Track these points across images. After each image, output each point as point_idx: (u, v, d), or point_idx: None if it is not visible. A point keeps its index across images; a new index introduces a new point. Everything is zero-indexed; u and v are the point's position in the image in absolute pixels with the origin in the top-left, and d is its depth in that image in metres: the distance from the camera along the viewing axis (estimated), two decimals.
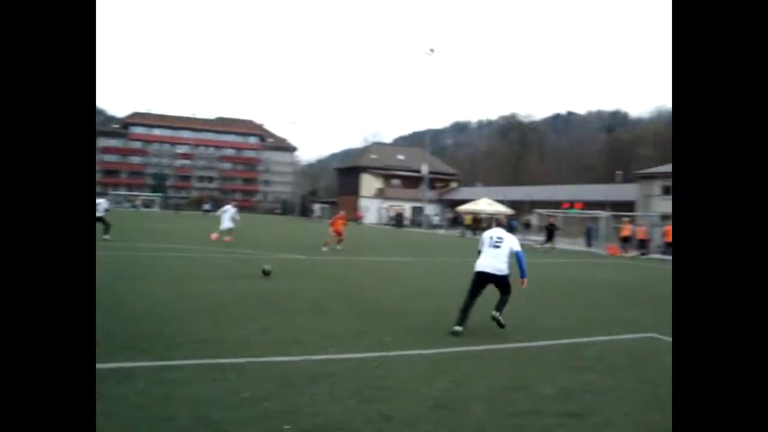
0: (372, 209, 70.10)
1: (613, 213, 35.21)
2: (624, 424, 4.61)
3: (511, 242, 8.10)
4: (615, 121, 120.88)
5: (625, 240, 30.49)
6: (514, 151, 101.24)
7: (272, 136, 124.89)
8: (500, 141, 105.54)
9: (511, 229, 29.89)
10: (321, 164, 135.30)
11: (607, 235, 33.22)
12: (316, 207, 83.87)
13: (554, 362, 6.41)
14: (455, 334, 7.45)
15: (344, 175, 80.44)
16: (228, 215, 22.72)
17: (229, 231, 22.56)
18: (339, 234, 22.07)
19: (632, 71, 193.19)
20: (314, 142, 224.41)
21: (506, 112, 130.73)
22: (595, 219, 35.13)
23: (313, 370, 5.57)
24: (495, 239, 8.16)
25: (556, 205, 42.43)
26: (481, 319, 8.70)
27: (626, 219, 31.84)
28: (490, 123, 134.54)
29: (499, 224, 9.42)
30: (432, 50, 57.21)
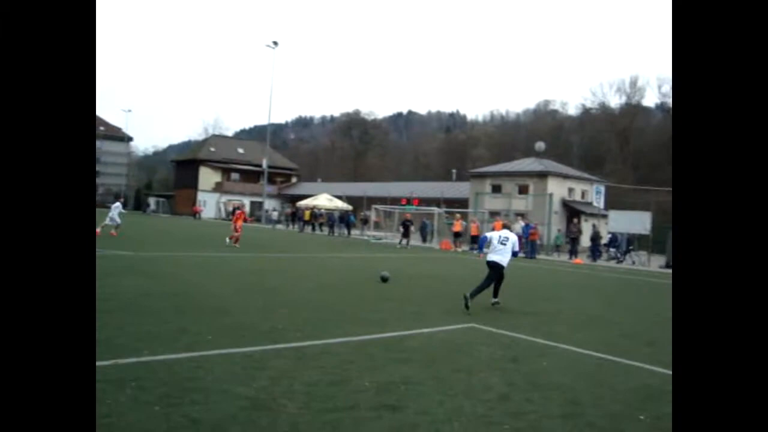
0: (210, 203, 67.92)
1: (447, 209, 36.80)
2: (438, 412, 4.72)
3: (514, 241, 10.84)
4: (453, 122, 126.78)
5: (457, 235, 31.99)
6: (356, 147, 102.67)
7: (104, 124, 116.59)
8: (342, 137, 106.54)
9: (348, 224, 30.35)
10: (158, 156, 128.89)
11: (441, 230, 34.65)
12: (152, 200, 79.71)
13: (376, 355, 6.47)
14: (467, 307, 9.69)
15: (182, 167, 77.10)
16: (116, 211, 24.30)
17: (116, 226, 23.79)
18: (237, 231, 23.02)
19: (470, 76, 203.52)
20: (151, 133, 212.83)
21: (350, 109, 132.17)
22: (430, 215, 36.52)
23: (120, 375, 5.16)
24: (502, 238, 10.76)
25: (394, 201, 43.60)
26: (310, 316, 8.63)
27: (458, 215, 33.40)
28: (333, 119, 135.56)
29: (505, 226, 11.56)
30: (276, 43, 56.49)
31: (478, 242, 21.25)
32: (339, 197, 49.75)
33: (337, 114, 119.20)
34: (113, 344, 6.17)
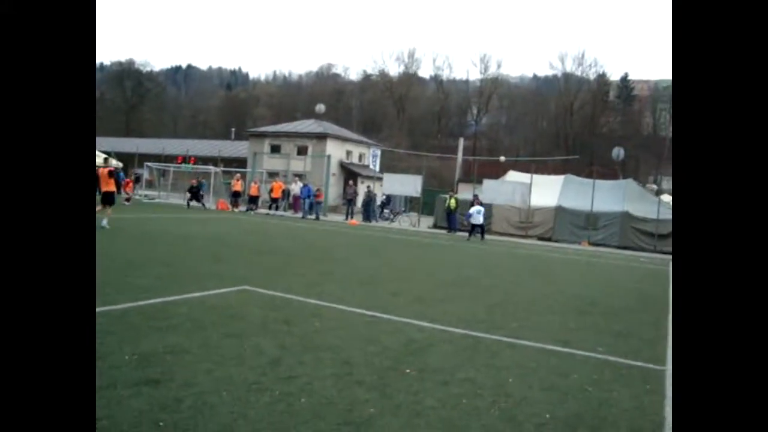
0: None
1: (224, 169, 35.78)
2: (204, 382, 4.46)
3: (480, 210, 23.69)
4: (235, 80, 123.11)
5: (236, 195, 31.32)
6: (129, 100, 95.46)
7: None
8: (114, 88, 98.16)
9: (118, 182, 28.24)
10: None
11: (217, 190, 33.65)
12: None
13: (138, 325, 5.97)
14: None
15: None
16: None
17: None
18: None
19: (254, 33, 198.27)
20: None
21: (122, 58, 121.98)
22: (207, 174, 35.25)
23: None
24: (478, 209, 23.70)
25: (170, 159, 41.33)
26: None
27: (238, 175, 32.66)
28: (103, 67, 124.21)
29: (478, 202, 23.89)
30: None
31: (464, 216, 23.24)
32: (108, 153, 45.96)
33: (107, 62, 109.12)
34: None
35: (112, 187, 16.33)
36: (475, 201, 25.16)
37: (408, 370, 5.21)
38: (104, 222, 15.04)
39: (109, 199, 15.87)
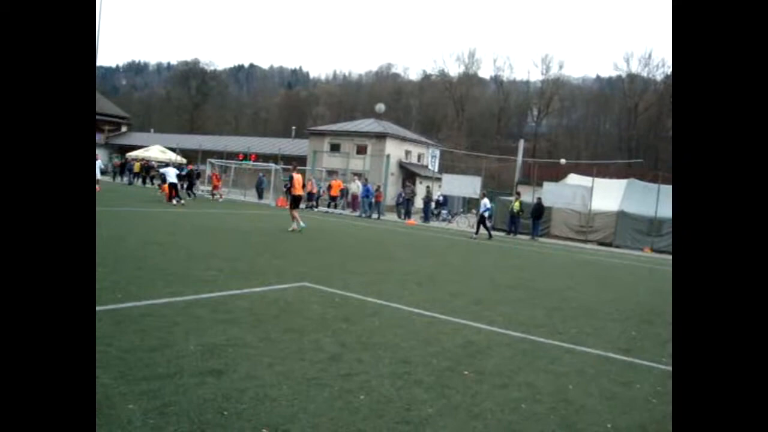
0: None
1: (284, 166, 36.32)
2: (266, 375, 4.56)
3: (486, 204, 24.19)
4: (295, 79, 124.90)
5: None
6: (193, 98, 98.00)
7: None
8: (179, 87, 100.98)
9: (180, 176, 28.85)
10: None
11: (277, 187, 34.19)
12: None
13: (203, 317, 6.15)
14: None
15: None
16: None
17: None
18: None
19: (315, 34, 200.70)
20: None
21: (188, 58, 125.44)
22: (267, 171, 35.87)
23: None
24: (486, 203, 24.17)
25: (231, 155, 42.24)
26: (133, 275, 8.07)
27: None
28: (170, 67, 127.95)
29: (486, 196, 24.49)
30: None
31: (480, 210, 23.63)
32: (173, 149, 47.32)
33: (174, 62, 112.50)
34: None
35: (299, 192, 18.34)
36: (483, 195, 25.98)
37: (466, 372, 5.20)
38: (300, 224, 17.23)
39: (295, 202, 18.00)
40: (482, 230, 23.32)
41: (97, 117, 56.67)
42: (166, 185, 25.17)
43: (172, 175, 24.84)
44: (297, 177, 18.05)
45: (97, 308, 6.04)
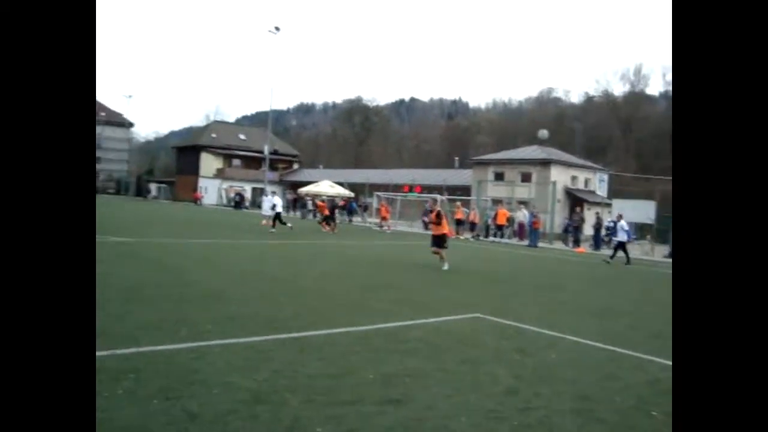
0: (211, 190, 67.71)
1: (449, 197, 36.60)
2: (444, 406, 4.58)
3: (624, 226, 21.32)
4: (455, 109, 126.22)
5: (459, 222, 31.86)
6: (358, 134, 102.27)
7: (105, 109, 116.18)
8: (344, 124, 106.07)
9: (350, 211, 30.39)
10: (159, 142, 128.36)
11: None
12: (153, 186, 79.56)
13: (379, 347, 6.33)
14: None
15: (183, 153, 76.79)
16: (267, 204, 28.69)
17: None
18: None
19: (472, 63, 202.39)
20: (153, 118, 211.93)
21: (352, 96, 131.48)
22: (433, 202, 36.33)
23: (118, 367, 5.02)
24: (623, 225, 21.29)
25: (396, 188, 43.40)
26: (312, 305, 8.50)
27: (458, 203, 33.26)
28: (335, 105, 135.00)
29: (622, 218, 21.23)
30: (278, 28, 56.01)
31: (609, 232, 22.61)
32: (341, 184, 49.56)
33: (339, 100, 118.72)
34: (111, 334, 6.02)
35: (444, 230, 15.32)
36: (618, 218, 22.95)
37: (654, 413, 4.87)
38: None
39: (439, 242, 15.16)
40: (620, 253, 21.53)
41: (272, 156, 60.90)
42: (324, 222, 27.01)
43: (278, 204, 26.76)
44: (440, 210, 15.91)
45: (282, 336, 6.44)
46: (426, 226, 14.35)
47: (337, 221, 31.36)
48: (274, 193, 31.40)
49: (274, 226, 25.22)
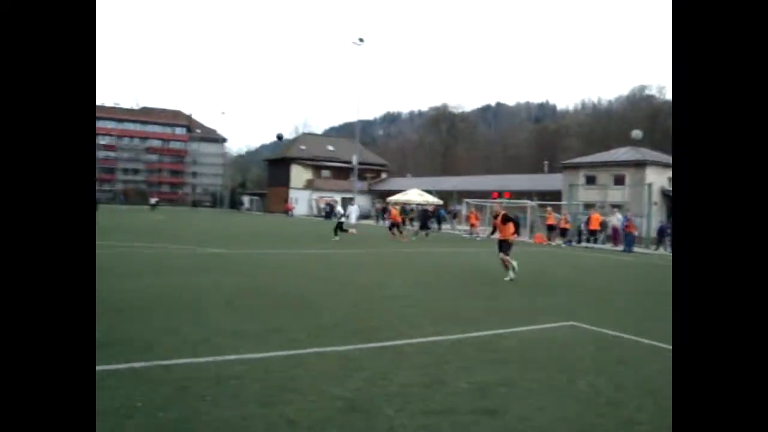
0: (302, 201, 69.35)
1: (539, 202, 35.87)
2: (539, 418, 4.47)
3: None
4: (543, 113, 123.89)
5: (551, 228, 31.13)
6: (444, 141, 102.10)
7: (200, 126, 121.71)
8: (431, 131, 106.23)
9: (439, 218, 30.40)
10: (251, 155, 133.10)
11: (534, 223, 33.82)
12: (246, 199, 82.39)
13: (471, 356, 6.25)
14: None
15: (274, 166, 79.23)
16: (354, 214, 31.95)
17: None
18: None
19: (560, 65, 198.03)
20: (244, 133, 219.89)
21: (437, 103, 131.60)
22: (522, 208, 35.74)
23: (219, 372, 5.21)
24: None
25: (485, 194, 42.96)
26: (401, 312, 8.53)
27: (549, 208, 32.51)
28: (421, 114, 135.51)
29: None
30: (362, 40, 56.84)
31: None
32: (429, 192, 49.57)
33: (424, 108, 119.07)
34: (213, 342, 6.28)
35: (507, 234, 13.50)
36: None
37: None
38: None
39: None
40: None
41: (360, 166, 61.73)
42: (392, 229, 27.37)
43: (351, 213, 27.28)
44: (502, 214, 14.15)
45: (373, 345, 6.49)
46: (493, 231, 13.16)
47: (431, 229, 31.44)
48: (348, 201, 32.76)
49: (336, 234, 25.33)
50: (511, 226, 13.50)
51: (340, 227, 25.76)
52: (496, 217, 14.20)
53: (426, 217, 31.62)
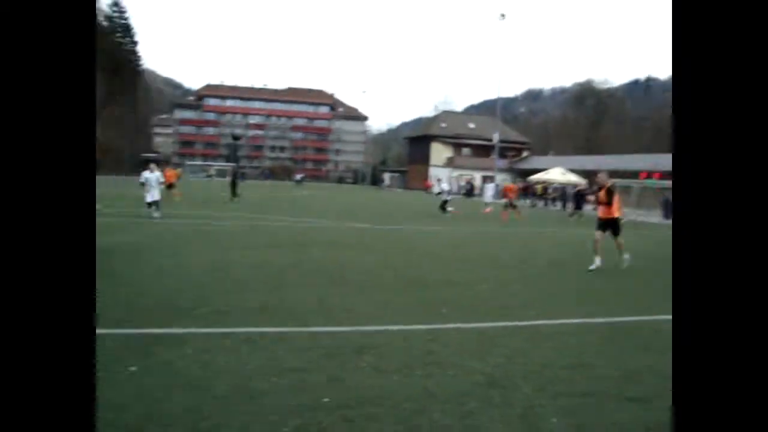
0: (443, 178, 69.69)
1: None
2: None
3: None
4: None
5: None
6: (589, 118, 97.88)
7: (343, 105, 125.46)
8: (575, 108, 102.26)
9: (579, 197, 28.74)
10: (391, 133, 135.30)
11: None
12: (386, 176, 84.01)
13: (617, 340, 6.02)
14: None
15: (414, 144, 80.00)
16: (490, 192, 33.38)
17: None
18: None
19: None
20: (385, 111, 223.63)
21: (581, 79, 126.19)
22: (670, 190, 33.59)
23: (361, 342, 5.41)
24: None
25: (633, 174, 40.79)
26: (543, 294, 8.37)
27: None
28: (564, 90, 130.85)
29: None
30: (503, 15, 55.68)
31: None
32: (573, 171, 47.87)
33: (568, 84, 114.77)
34: (356, 312, 6.53)
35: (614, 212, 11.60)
36: None
37: None
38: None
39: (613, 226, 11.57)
40: None
41: (501, 144, 60.69)
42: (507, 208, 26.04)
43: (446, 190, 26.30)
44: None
45: (513, 323, 6.43)
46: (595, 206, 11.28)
47: (583, 211, 30.34)
48: (488, 179, 32.08)
49: (444, 210, 25.10)
50: (617, 201, 11.50)
51: (444, 205, 25.52)
52: (600, 189, 11.61)
53: (580, 197, 30.51)
